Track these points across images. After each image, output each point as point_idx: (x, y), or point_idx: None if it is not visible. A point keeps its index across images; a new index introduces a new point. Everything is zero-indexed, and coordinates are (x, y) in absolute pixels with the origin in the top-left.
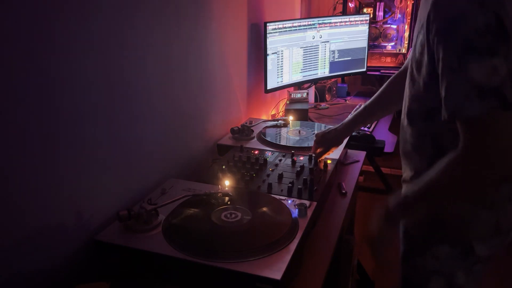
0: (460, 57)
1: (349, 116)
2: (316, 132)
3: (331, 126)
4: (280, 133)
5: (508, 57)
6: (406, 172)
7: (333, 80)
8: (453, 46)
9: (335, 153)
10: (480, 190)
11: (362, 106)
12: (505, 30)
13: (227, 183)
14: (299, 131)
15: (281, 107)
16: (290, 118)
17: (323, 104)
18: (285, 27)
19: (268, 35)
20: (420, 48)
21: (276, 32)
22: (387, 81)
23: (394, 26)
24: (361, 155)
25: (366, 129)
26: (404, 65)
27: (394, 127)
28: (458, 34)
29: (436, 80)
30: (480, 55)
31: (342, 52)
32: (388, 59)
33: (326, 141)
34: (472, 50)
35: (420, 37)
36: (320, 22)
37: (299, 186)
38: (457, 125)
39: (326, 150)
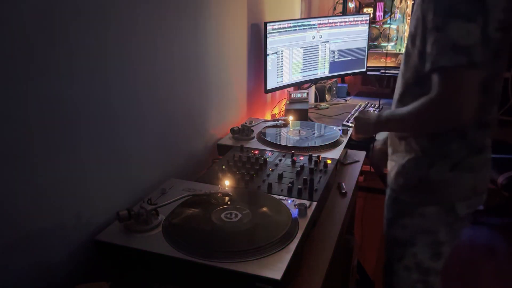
0: (444, 19)
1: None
2: (319, 131)
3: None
4: (280, 133)
5: (486, 28)
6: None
7: (333, 80)
8: (440, 9)
9: (335, 153)
10: (437, 128)
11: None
12: (483, 2)
13: (227, 183)
14: (299, 131)
15: (281, 107)
16: (290, 118)
17: (323, 104)
18: (285, 27)
19: (268, 35)
20: (415, 21)
21: (276, 32)
22: None
23: (394, 26)
24: (361, 155)
25: None
26: None
27: None
28: (445, 0)
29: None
30: (457, 19)
31: (342, 52)
32: (388, 59)
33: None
34: (453, 14)
35: (418, 13)
36: (320, 22)
37: (299, 186)
38: (433, 76)
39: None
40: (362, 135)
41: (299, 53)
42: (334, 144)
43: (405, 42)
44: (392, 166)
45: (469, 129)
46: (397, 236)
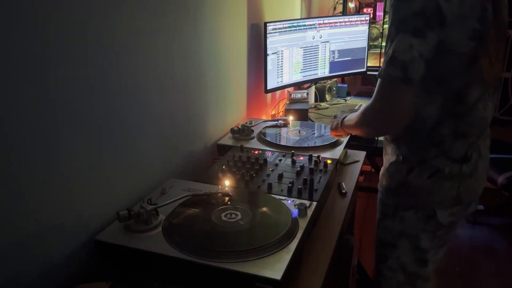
0: (395, 31)
1: None
2: (316, 132)
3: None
4: (280, 133)
5: (445, 41)
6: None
7: (333, 80)
8: (395, 21)
9: (335, 153)
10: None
11: None
12: (441, 17)
13: (227, 183)
14: (299, 131)
15: (281, 107)
16: (290, 118)
17: (323, 104)
18: (285, 27)
19: (268, 35)
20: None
21: (276, 32)
22: None
23: None
24: (361, 155)
25: None
26: None
27: None
28: (400, 12)
29: None
30: (405, 32)
31: (342, 52)
32: None
33: None
34: (403, 27)
35: None
36: (320, 22)
37: (299, 186)
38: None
39: None
40: (336, 133)
41: (299, 53)
42: (334, 144)
43: None
44: (382, 168)
45: (445, 139)
46: (381, 237)
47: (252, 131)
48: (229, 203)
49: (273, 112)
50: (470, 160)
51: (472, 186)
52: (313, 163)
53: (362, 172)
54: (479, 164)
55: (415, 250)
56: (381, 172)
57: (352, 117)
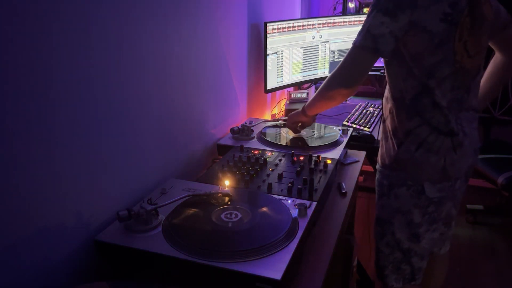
0: (371, 9)
1: None
2: (315, 132)
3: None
4: (280, 133)
5: (417, 20)
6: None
7: None
8: (373, 2)
9: (335, 153)
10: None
11: None
12: (413, 0)
13: (227, 183)
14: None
15: (281, 107)
16: None
17: None
18: (285, 27)
19: (268, 35)
20: None
21: (276, 32)
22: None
23: None
24: (361, 155)
25: (366, 129)
26: None
27: None
28: None
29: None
30: (379, 11)
31: (342, 52)
32: None
33: None
34: (377, 7)
35: None
36: (320, 22)
37: (299, 186)
38: None
39: None
40: (294, 124)
41: (299, 53)
42: (334, 144)
43: None
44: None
45: (426, 108)
46: (379, 215)
47: (252, 131)
48: (229, 203)
49: (273, 112)
50: (456, 135)
51: (457, 162)
52: (313, 163)
53: (362, 172)
54: (464, 141)
55: (408, 225)
56: (378, 154)
57: (315, 94)
